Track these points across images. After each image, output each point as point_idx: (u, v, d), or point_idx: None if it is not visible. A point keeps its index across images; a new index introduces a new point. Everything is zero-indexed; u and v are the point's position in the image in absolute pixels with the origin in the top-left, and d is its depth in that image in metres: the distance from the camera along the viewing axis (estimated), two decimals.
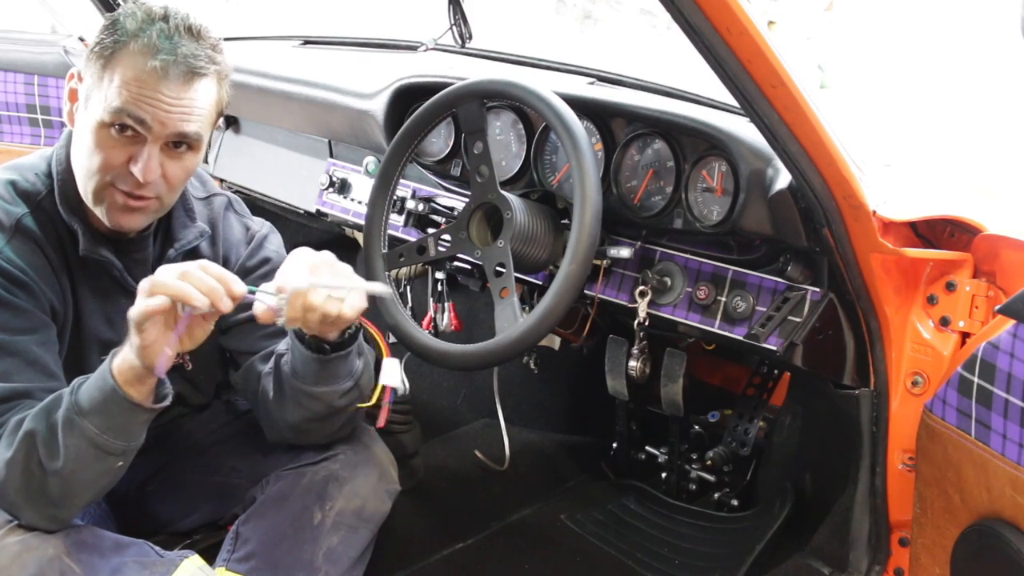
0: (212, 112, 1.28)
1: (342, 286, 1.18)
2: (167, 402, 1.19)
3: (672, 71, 1.82)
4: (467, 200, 1.51)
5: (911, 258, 1.35)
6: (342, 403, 1.32)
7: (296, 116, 2.08)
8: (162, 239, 1.39)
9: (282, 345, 1.36)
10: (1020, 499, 1.14)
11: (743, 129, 1.43)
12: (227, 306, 1.12)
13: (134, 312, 1.09)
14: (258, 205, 2.26)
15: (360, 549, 1.38)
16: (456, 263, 1.72)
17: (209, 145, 2.43)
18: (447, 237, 1.53)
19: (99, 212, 1.26)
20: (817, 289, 1.43)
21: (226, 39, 2.40)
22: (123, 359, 1.13)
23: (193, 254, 1.42)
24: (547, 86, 1.44)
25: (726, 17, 0.99)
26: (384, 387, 1.24)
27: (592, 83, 1.84)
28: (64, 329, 1.30)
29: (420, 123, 1.54)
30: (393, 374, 1.24)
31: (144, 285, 1.10)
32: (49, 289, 1.26)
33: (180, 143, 1.25)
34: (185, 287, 1.09)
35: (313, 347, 1.27)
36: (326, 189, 2.02)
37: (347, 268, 1.21)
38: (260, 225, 1.54)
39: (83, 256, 1.29)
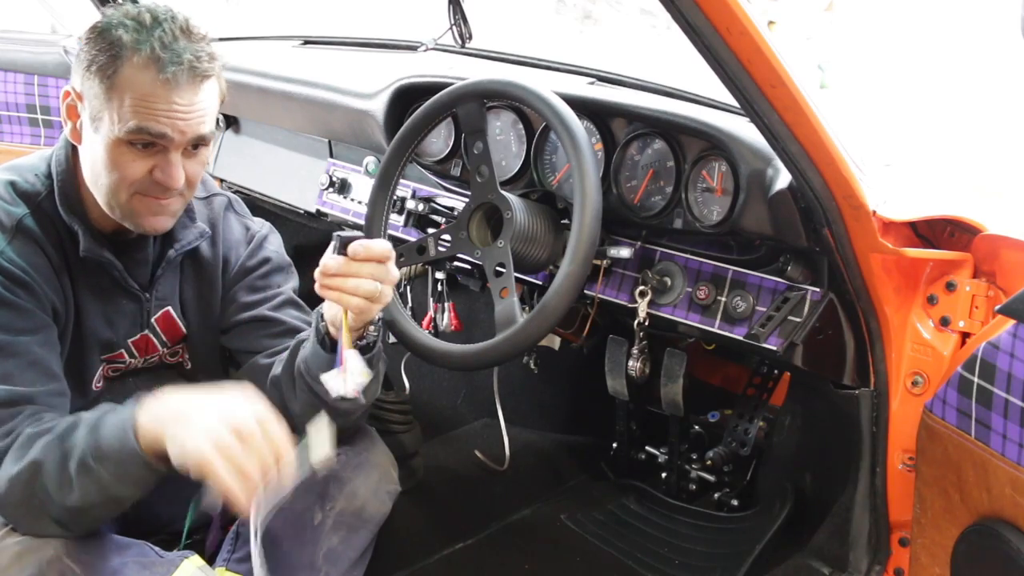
0: (218, 106, 1.29)
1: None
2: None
3: (672, 71, 1.82)
4: (467, 200, 1.51)
5: (911, 258, 1.35)
6: (345, 405, 1.32)
7: (296, 116, 2.08)
8: (162, 240, 1.39)
9: (307, 344, 1.34)
10: (1020, 499, 1.14)
11: (743, 129, 1.43)
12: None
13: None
14: (258, 205, 2.26)
15: (360, 550, 1.38)
16: (456, 263, 1.72)
17: None
18: (447, 237, 1.53)
19: (128, 223, 1.27)
20: (817, 289, 1.43)
21: (226, 39, 2.40)
22: (156, 437, 1.08)
23: (193, 254, 1.42)
24: (547, 86, 1.44)
25: (726, 17, 0.99)
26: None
27: (592, 83, 1.83)
28: (65, 329, 1.30)
29: (420, 123, 1.54)
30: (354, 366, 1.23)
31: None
32: (50, 289, 1.26)
33: (196, 144, 1.26)
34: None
35: (328, 346, 1.28)
36: (326, 189, 2.02)
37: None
38: (260, 225, 1.54)
39: (83, 256, 1.29)
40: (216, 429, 1.04)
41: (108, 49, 1.19)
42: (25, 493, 1.13)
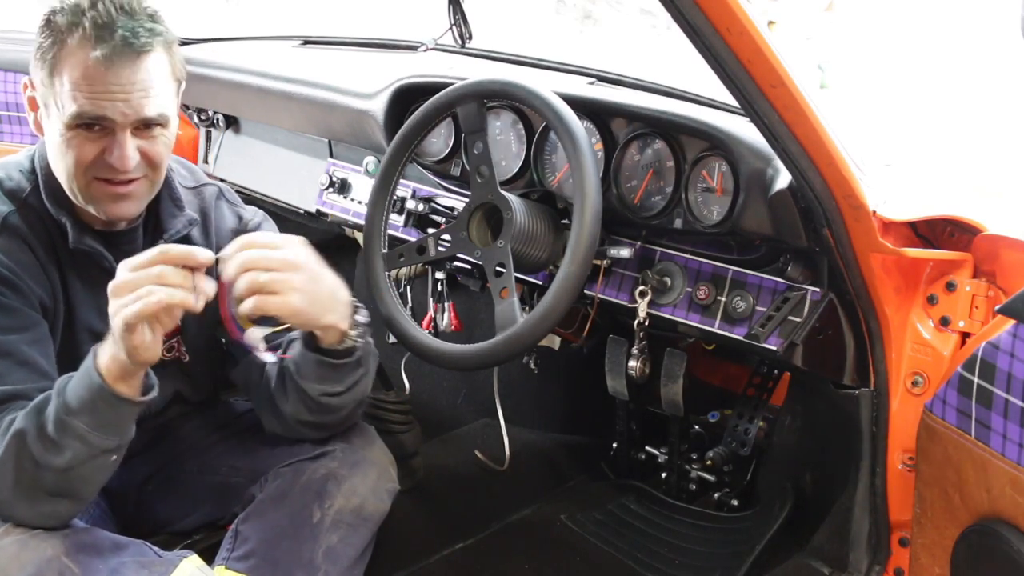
0: (170, 83, 1.26)
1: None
2: (154, 393, 1.19)
3: (672, 71, 1.82)
4: (467, 200, 1.51)
5: (911, 258, 1.35)
6: (327, 401, 1.33)
7: (296, 116, 2.08)
8: (152, 230, 1.39)
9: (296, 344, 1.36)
10: (1020, 499, 1.14)
11: (743, 129, 1.43)
12: (210, 292, 1.14)
13: (127, 315, 1.09)
14: (258, 205, 2.25)
15: (360, 548, 1.38)
16: (456, 263, 1.72)
17: (208, 144, 2.44)
18: (447, 237, 1.53)
19: (92, 209, 1.27)
20: (817, 289, 1.43)
21: (226, 39, 2.40)
22: (111, 357, 1.12)
23: (184, 243, 1.42)
24: (547, 86, 1.44)
25: (726, 17, 0.99)
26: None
27: (592, 83, 1.83)
28: (55, 323, 1.30)
29: (420, 123, 1.54)
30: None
31: (122, 286, 1.09)
32: (38, 285, 1.26)
33: (149, 124, 1.24)
34: (175, 294, 1.10)
35: (320, 351, 1.28)
36: (326, 189, 2.02)
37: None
38: (253, 214, 1.53)
39: (73, 249, 1.29)
40: (129, 296, 1.09)
41: (50, 35, 1.20)
42: (16, 469, 1.14)
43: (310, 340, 1.29)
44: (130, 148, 1.22)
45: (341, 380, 1.32)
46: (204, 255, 1.13)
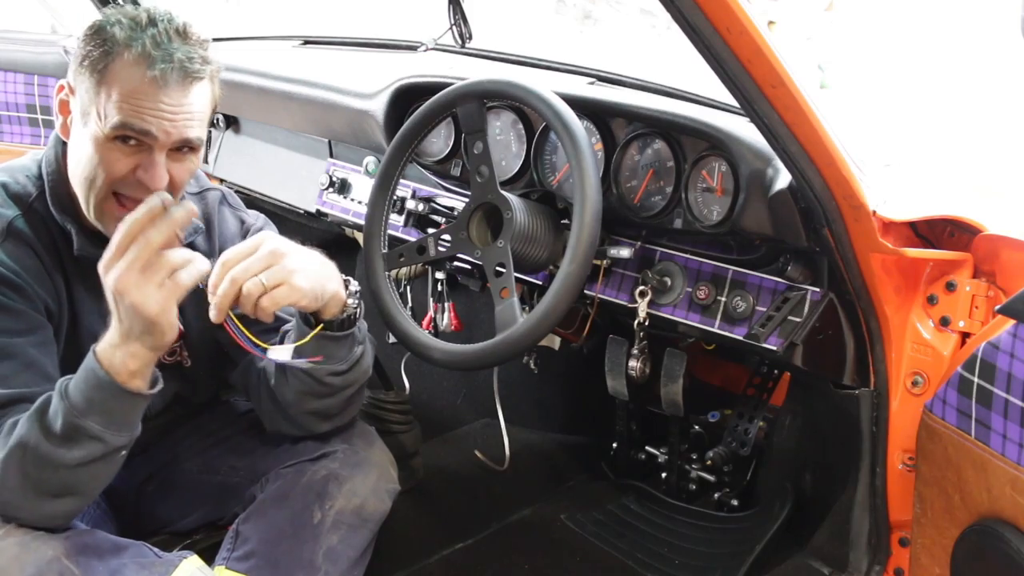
0: (209, 111, 1.28)
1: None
2: (160, 384, 1.19)
3: (672, 71, 1.82)
4: (467, 200, 1.51)
5: (911, 258, 1.35)
6: (332, 381, 1.33)
7: (296, 116, 2.08)
8: None
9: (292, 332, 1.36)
10: (1020, 499, 1.14)
11: (743, 129, 1.43)
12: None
13: (117, 274, 1.10)
14: (258, 205, 2.26)
15: (360, 549, 1.38)
16: (456, 263, 1.72)
17: (208, 145, 2.44)
18: (447, 237, 1.53)
19: (99, 225, 1.26)
20: (817, 289, 1.43)
21: (226, 39, 2.40)
22: (126, 354, 1.13)
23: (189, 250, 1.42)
24: (547, 86, 1.44)
25: (726, 17, 0.99)
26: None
27: (592, 83, 1.84)
28: (60, 328, 1.30)
29: (420, 123, 1.54)
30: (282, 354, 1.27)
31: (114, 282, 1.11)
32: (43, 290, 1.26)
33: (183, 147, 1.25)
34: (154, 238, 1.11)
35: (312, 324, 1.30)
36: (326, 189, 2.02)
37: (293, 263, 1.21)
38: (255, 218, 1.54)
39: (78, 256, 1.29)
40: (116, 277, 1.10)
41: (101, 45, 1.19)
42: (19, 474, 1.13)
43: (309, 319, 1.30)
44: (163, 168, 1.22)
45: (345, 356, 1.33)
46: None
